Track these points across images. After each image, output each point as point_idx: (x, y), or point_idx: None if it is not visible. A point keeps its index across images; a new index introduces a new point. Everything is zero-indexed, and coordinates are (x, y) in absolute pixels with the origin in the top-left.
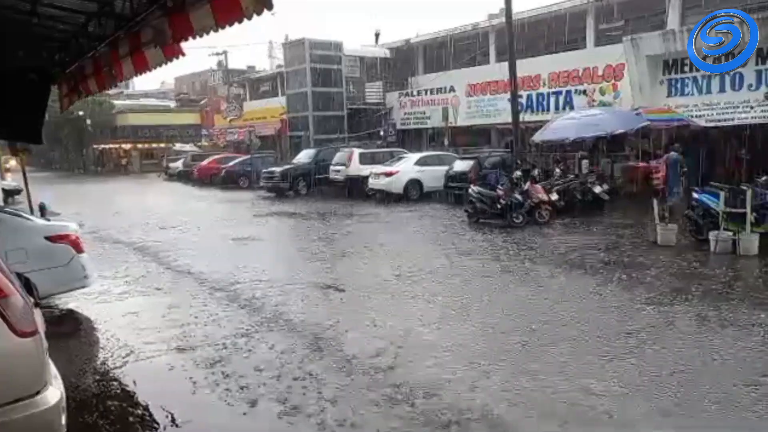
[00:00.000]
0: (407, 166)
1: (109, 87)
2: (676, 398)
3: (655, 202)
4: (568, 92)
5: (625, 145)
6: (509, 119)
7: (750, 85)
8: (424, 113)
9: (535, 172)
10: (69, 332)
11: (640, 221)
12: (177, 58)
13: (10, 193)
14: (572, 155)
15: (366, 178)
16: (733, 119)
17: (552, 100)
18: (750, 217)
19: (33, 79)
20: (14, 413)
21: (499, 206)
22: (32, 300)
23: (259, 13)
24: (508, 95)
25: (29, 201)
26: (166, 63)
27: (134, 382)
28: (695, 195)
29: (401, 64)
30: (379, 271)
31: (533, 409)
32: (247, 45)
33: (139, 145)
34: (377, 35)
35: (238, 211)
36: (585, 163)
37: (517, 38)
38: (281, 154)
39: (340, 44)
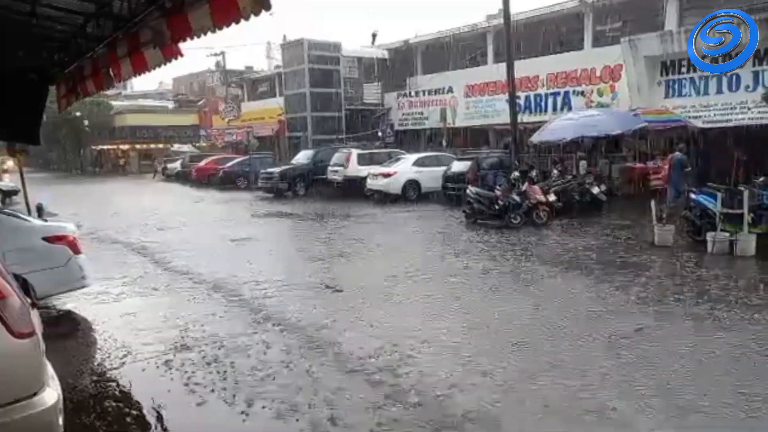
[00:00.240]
0: (405, 167)
1: (108, 88)
2: (671, 397)
3: (652, 202)
4: (566, 93)
5: (622, 146)
6: (507, 120)
7: (747, 86)
8: (422, 114)
9: (533, 172)
10: (67, 333)
11: (637, 222)
12: (176, 58)
13: (7, 194)
14: (570, 156)
15: (364, 178)
16: (730, 120)
17: (550, 101)
18: (747, 217)
19: (33, 79)
20: (12, 414)
21: (497, 207)
22: (30, 301)
23: (257, 14)
24: (506, 96)
25: (27, 202)
26: (164, 63)
27: (132, 383)
28: (692, 196)
29: (399, 64)
30: (377, 272)
31: (529, 408)
32: (244, 45)
33: (138, 146)
34: (374, 36)
35: (237, 212)
36: (583, 163)
37: (516, 39)
38: (279, 154)
39: (339, 45)
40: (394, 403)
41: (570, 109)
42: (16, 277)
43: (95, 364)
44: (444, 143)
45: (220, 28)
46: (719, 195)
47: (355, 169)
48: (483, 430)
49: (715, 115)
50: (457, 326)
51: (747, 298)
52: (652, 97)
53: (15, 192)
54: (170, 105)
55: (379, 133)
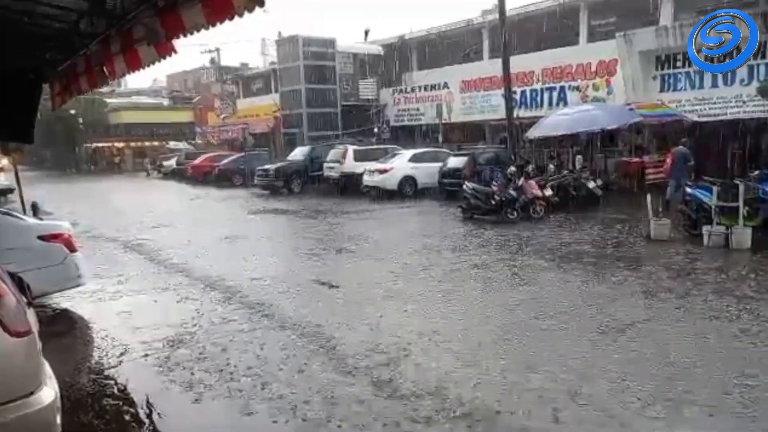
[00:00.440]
0: (401, 163)
1: (102, 85)
2: (667, 389)
3: (648, 196)
4: (562, 88)
5: (618, 141)
6: (503, 115)
7: (742, 80)
8: (418, 110)
9: (529, 167)
10: (63, 332)
11: (633, 216)
12: (169, 55)
13: (2, 193)
14: (566, 151)
15: (360, 175)
16: (725, 114)
17: (546, 96)
18: (742, 211)
19: (32, 79)
20: (8, 413)
21: (493, 202)
22: (25, 300)
23: (251, 11)
24: (502, 91)
25: (22, 200)
26: (158, 61)
27: (129, 381)
28: (688, 190)
29: (395, 60)
30: (373, 268)
31: (528, 402)
32: (237, 42)
33: (132, 144)
34: (366, 33)
35: (233, 209)
36: (579, 158)
37: (511, 34)
38: (275, 151)
39: (333, 41)
40: (391, 398)
41: (565, 104)
42: (12, 275)
43: (92, 362)
44: (440, 139)
45: (214, 25)
46: (715, 189)
47: (351, 166)
48: (480, 423)
49: (710, 109)
50: (456, 321)
51: (742, 291)
52: (647, 92)
53: (9, 190)
54: (165, 102)
55: (375, 129)
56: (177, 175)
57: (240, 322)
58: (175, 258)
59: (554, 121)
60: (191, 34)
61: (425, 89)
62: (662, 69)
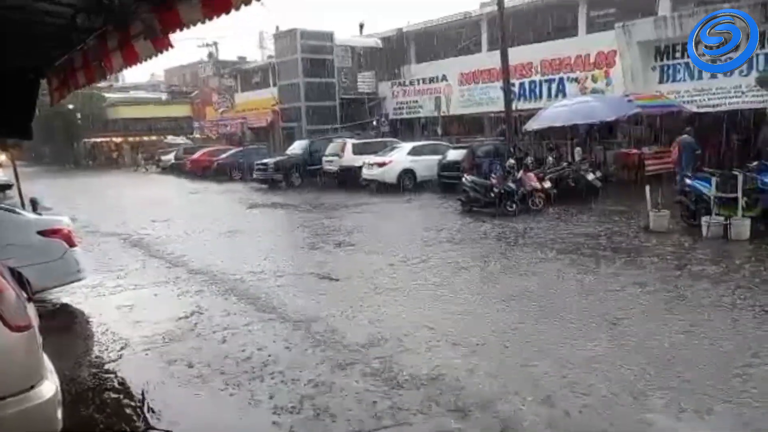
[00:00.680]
0: (400, 156)
1: (99, 80)
2: (665, 377)
3: (647, 188)
4: (561, 80)
5: (617, 132)
6: (502, 107)
7: (741, 71)
8: (417, 102)
9: (528, 160)
10: (63, 327)
11: (632, 207)
12: (166, 50)
13: (1, 188)
14: (565, 143)
15: (359, 168)
16: (724, 104)
17: (544, 87)
18: (741, 201)
19: (32, 78)
20: (10, 407)
21: (492, 195)
22: (25, 295)
23: (247, 3)
24: (500, 83)
25: (20, 196)
26: (155, 55)
27: (130, 376)
28: (687, 181)
29: (393, 53)
30: (372, 261)
31: (527, 393)
32: (233, 36)
33: (131, 138)
34: (361, 26)
35: (232, 203)
36: (578, 150)
37: (509, 26)
38: (274, 145)
39: (331, 34)
40: (390, 388)
41: (564, 95)
42: (12, 271)
43: (93, 356)
44: (439, 132)
45: (211, 19)
46: (714, 179)
47: (350, 159)
48: (476, 412)
49: (709, 99)
50: (452, 312)
51: (740, 281)
52: (646, 83)
53: (8, 186)
54: (163, 97)
55: (374, 123)
56: (175, 169)
57: (240, 315)
58: (175, 252)
59: (553, 113)
60: (188, 27)
61: (424, 82)
62: (661, 60)
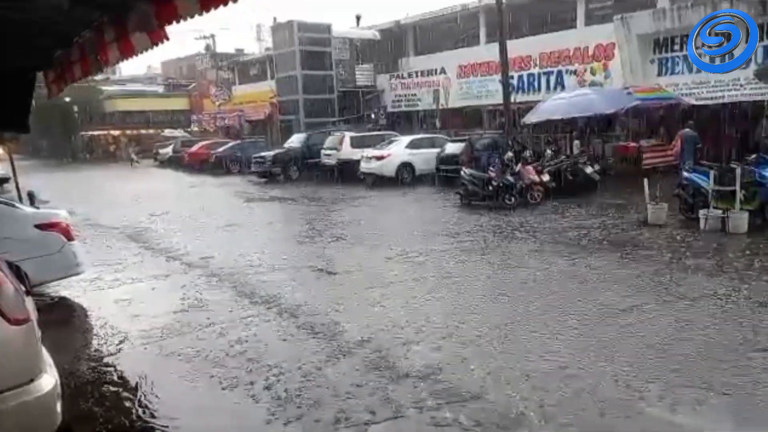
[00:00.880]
0: (399, 149)
1: (95, 72)
2: (661, 370)
3: (645, 181)
4: (559, 72)
5: (616, 125)
6: (501, 100)
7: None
8: (415, 95)
9: (527, 153)
10: (62, 320)
11: (631, 200)
12: (162, 42)
13: None
14: (563, 136)
15: (358, 161)
16: (723, 97)
17: (543, 80)
18: (739, 195)
19: (31, 78)
20: (9, 401)
21: (490, 188)
22: (24, 288)
23: None
24: (499, 76)
25: (18, 189)
26: (151, 48)
27: (129, 369)
28: (685, 174)
29: (391, 45)
30: (371, 254)
31: (522, 385)
32: (228, 28)
33: (128, 132)
34: (358, 18)
35: (230, 197)
36: (576, 143)
37: (508, 18)
38: (272, 138)
39: (329, 26)
40: (393, 382)
41: (563, 88)
42: (9, 264)
43: (92, 350)
44: (437, 125)
45: (208, 11)
46: (712, 173)
47: (348, 152)
48: (472, 403)
49: (707, 92)
50: (449, 305)
51: (736, 274)
52: (645, 75)
53: (5, 180)
54: (160, 89)
55: (372, 116)
56: (173, 162)
57: (237, 308)
58: (173, 246)
59: (551, 106)
60: (184, 20)
61: (422, 75)
62: (660, 52)
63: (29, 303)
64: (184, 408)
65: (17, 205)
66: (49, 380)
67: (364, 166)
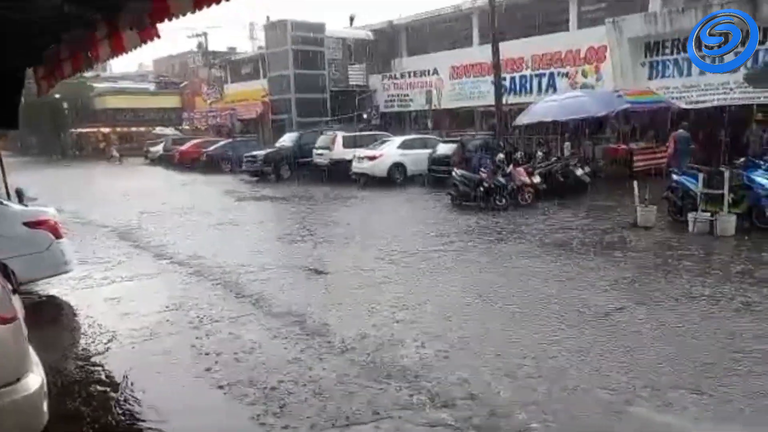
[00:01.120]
0: (391, 150)
1: (85, 69)
2: (647, 371)
3: (635, 183)
4: (551, 74)
5: (607, 128)
6: (493, 102)
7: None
8: (408, 96)
9: (518, 154)
10: (50, 319)
11: (620, 203)
12: (152, 40)
13: None
14: (555, 138)
15: (349, 161)
16: (712, 101)
17: (535, 82)
18: (727, 198)
19: (21, 75)
20: None
21: (482, 189)
22: (10, 286)
23: None
24: (491, 78)
25: (6, 186)
26: (141, 45)
27: (117, 368)
28: (675, 177)
29: (384, 46)
30: (362, 255)
31: (509, 385)
32: (219, 27)
33: (118, 129)
34: (352, 18)
35: (221, 196)
36: (567, 145)
37: (500, 20)
38: (264, 137)
39: (323, 26)
40: (383, 382)
41: (555, 90)
42: None
43: (80, 349)
44: (429, 125)
45: (201, 9)
46: (701, 176)
47: (340, 152)
48: (461, 404)
49: (697, 96)
50: (437, 306)
51: (722, 277)
52: (636, 78)
53: None
54: (151, 87)
55: (365, 116)
56: (164, 161)
57: (227, 308)
58: (163, 244)
59: (543, 108)
60: (176, 18)
61: (415, 75)
62: (651, 56)
63: (16, 301)
64: (173, 408)
65: (5, 202)
66: (35, 379)
67: (356, 166)
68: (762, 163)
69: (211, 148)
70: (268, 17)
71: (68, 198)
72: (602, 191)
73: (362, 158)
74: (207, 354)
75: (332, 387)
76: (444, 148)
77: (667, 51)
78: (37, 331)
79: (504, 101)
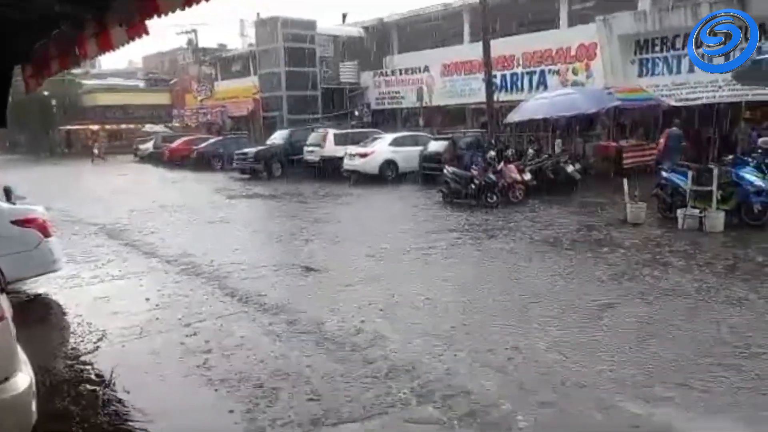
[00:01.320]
0: (382, 147)
1: (73, 66)
2: (637, 367)
3: (625, 180)
4: (542, 72)
5: (597, 125)
6: (484, 99)
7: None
8: (399, 93)
9: (509, 152)
10: (39, 318)
11: (610, 199)
12: (140, 37)
13: None
14: (545, 135)
15: (341, 159)
16: (701, 99)
17: (526, 80)
18: (716, 195)
19: (8, 72)
20: None
21: (473, 186)
22: None
23: None
24: (482, 75)
25: None
26: (129, 42)
27: (107, 367)
28: (664, 174)
29: (375, 43)
30: (353, 251)
31: (499, 380)
32: (208, 24)
33: (108, 126)
34: (344, 16)
35: (211, 193)
36: (558, 142)
37: (491, 18)
38: (254, 134)
39: (314, 23)
40: (377, 379)
41: (545, 87)
42: None
43: (69, 348)
44: (421, 123)
45: (190, 5)
46: (690, 173)
47: (331, 149)
48: (451, 400)
49: (687, 93)
50: (429, 303)
51: (709, 272)
52: (626, 76)
53: None
54: (141, 84)
55: (356, 113)
56: (153, 158)
57: (218, 305)
58: (153, 242)
59: (534, 106)
60: (165, 14)
61: (406, 72)
62: (641, 53)
63: (4, 300)
64: (162, 407)
65: None
66: (24, 379)
67: (347, 164)
68: (750, 160)
69: (202, 145)
70: (258, 14)
71: (57, 196)
72: (592, 188)
73: (353, 155)
74: (197, 352)
75: (322, 384)
76: (435, 146)
77: (657, 49)
78: (25, 331)
79: (495, 99)
